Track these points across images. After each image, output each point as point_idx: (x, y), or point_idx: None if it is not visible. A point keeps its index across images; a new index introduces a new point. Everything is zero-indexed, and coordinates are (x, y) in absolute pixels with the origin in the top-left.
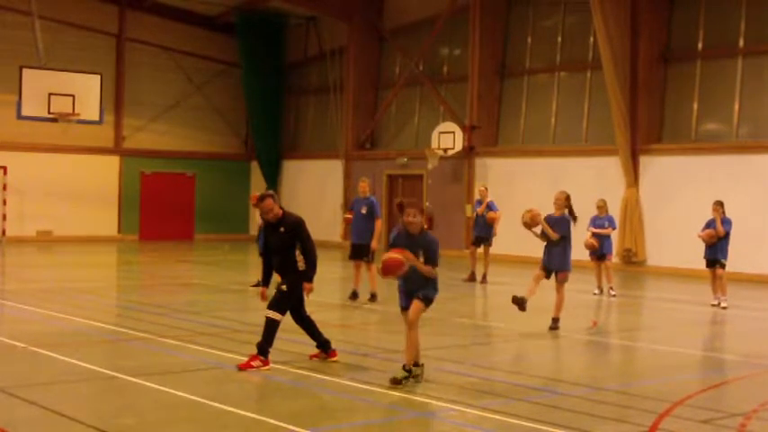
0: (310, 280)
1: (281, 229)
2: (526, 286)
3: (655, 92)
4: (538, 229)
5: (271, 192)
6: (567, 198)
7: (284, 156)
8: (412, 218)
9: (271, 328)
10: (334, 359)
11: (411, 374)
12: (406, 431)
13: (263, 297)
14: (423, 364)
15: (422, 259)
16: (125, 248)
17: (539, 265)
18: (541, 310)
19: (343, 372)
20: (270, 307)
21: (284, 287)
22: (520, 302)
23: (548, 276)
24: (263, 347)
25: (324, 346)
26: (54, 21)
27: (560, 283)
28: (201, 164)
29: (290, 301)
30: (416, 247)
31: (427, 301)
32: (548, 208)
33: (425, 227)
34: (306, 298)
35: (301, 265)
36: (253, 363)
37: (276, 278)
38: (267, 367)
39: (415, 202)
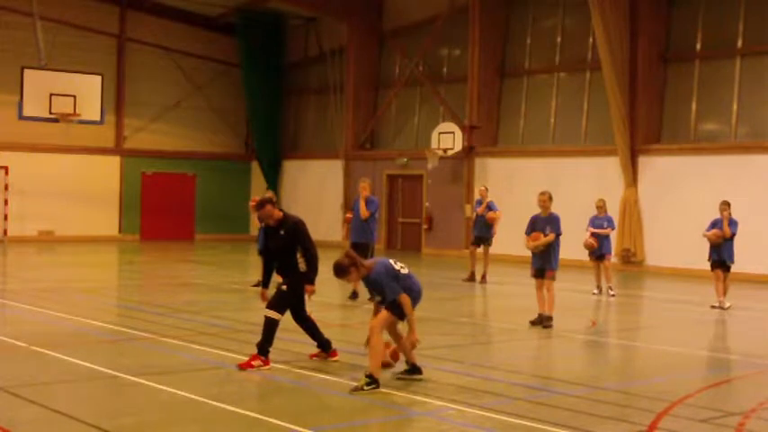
0: (312, 282)
1: (282, 232)
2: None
3: (654, 92)
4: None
5: (268, 196)
6: (551, 198)
7: (284, 156)
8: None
9: (270, 327)
10: (335, 359)
11: (372, 382)
12: (406, 431)
13: (264, 298)
14: (376, 381)
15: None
16: (126, 248)
17: (531, 271)
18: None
19: (344, 371)
20: (269, 306)
21: (284, 287)
22: (541, 321)
23: (542, 277)
24: (263, 347)
25: (324, 346)
26: (55, 21)
27: (548, 280)
28: (202, 164)
29: (289, 301)
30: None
31: (395, 311)
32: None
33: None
34: (307, 300)
35: (302, 265)
36: (253, 362)
37: (277, 279)
38: (267, 367)
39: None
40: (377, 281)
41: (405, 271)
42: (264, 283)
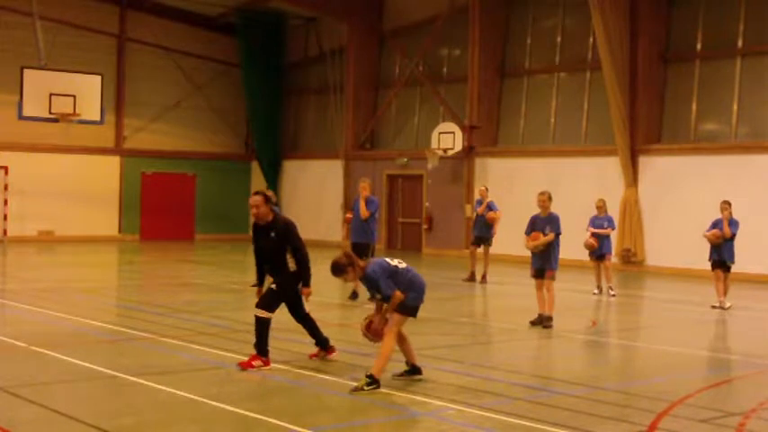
0: (308, 284)
1: (272, 234)
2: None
3: (654, 92)
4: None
5: (267, 192)
6: (550, 198)
7: (284, 156)
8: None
9: (262, 326)
10: (333, 356)
11: (373, 383)
12: (406, 431)
13: (259, 296)
14: (376, 381)
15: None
16: (126, 248)
17: (531, 271)
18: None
19: (344, 371)
20: (259, 306)
21: (274, 286)
22: (541, 321)
23: (542, 277)
24: (261, 347)
25: (323, 344)
26: (55, 21)
27: (548, 280)
28: (202, 164)
29: (279, 300)
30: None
31: (401, 309)
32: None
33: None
34: (306, 302)
35: (292, 265)
36: (254, 362)
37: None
38: (268, 367)
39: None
40: (372, 278)
41: (402, 265)
42: (259, 282)
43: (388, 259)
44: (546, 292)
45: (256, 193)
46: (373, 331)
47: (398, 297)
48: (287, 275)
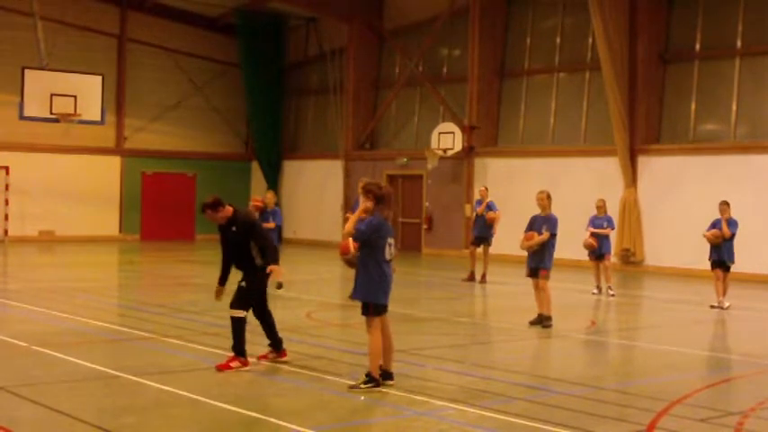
0: (275, 262)
1: (233, 228)
2: (532, 298)
3: (653, 92)
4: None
5: (211, 200)
6: (549, 197)
7: (284, 156)
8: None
9: (238, 326)
10: (284, 359)
11: (370, 381)
12: (406, 431)
13: (218, 295)
14: (375, 379)
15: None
16: (126, 248)
17: (526, 271)
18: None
19: (344, 371)
20: (232, 306)
21: (243, 283)
22: (540, 321)
23: (536, 276)
24: (238, 348)
25: (276, 345)
26: (56, 22)
27: (542, 279)
28: (202, 164)
29: (250, 296)
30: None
31: (365, 309)
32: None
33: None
34: (279, 278)
35: (258, 260)
36: (232, 363)
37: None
38: (247, 367)
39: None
40: (371, 222)
41: (388, 258)
42: (221, 280)
43: (391, 243)
44: (541, 292)
45: (203, 209)
46: (342, 248)
47: (350, 241)
48: (254, 271)
